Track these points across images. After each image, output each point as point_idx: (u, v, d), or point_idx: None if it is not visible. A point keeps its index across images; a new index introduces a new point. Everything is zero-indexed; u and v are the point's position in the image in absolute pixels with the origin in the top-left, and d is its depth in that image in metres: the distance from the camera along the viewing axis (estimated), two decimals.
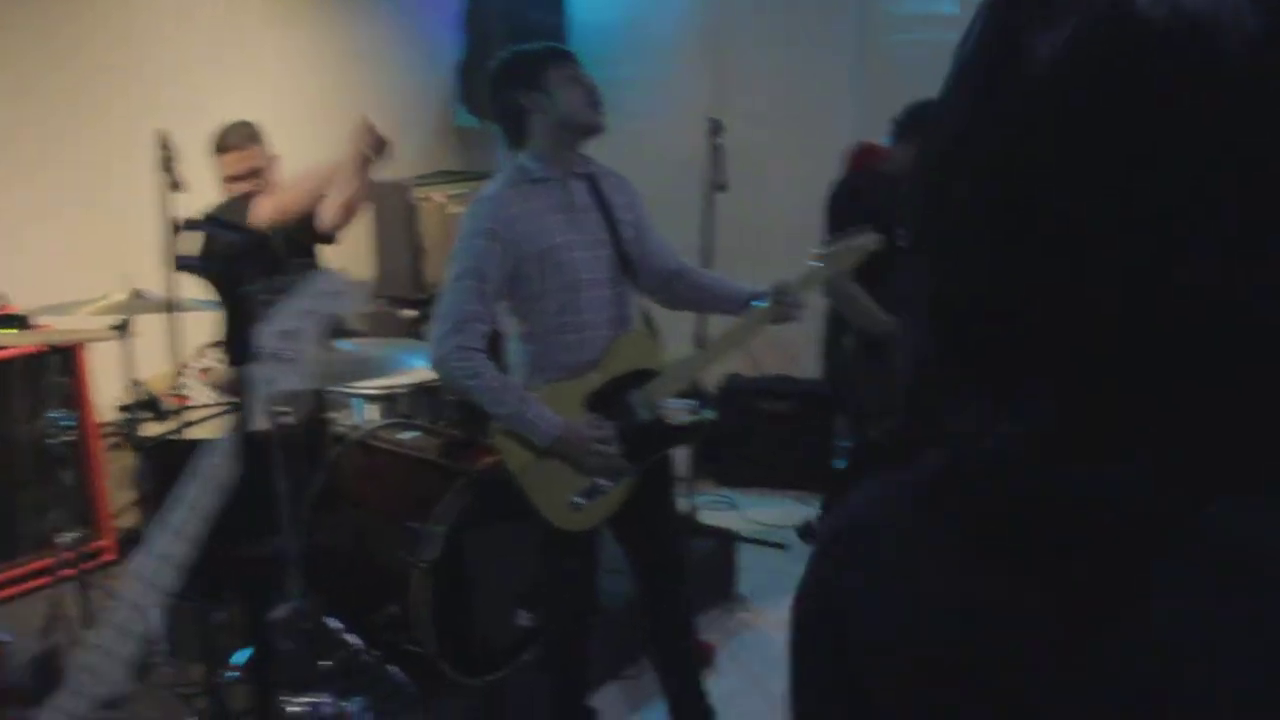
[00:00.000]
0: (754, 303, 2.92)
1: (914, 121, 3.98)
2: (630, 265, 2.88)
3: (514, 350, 2.83)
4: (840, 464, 4.91)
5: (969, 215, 0.61)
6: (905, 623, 0.65)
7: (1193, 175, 0.53)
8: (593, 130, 2.80)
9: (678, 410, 3.01)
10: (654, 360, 2.91)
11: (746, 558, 4.39)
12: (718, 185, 4.30)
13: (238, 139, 3.89)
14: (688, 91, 5.81)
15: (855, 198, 3.96)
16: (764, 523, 4.94)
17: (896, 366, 3.95)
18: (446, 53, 5.82)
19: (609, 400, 2.81)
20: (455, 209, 5.29)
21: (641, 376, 2.85)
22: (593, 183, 2.86)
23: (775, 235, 4.98)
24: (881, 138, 4.14)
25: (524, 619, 3.35)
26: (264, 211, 3.70)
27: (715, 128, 4.28)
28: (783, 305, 2.90)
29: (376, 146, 3.46)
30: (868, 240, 3.08)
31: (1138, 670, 0.57)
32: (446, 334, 2.65)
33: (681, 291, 3.08)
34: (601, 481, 2.79)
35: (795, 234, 4.37)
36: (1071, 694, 0.58)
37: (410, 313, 4.70)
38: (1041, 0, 0.58)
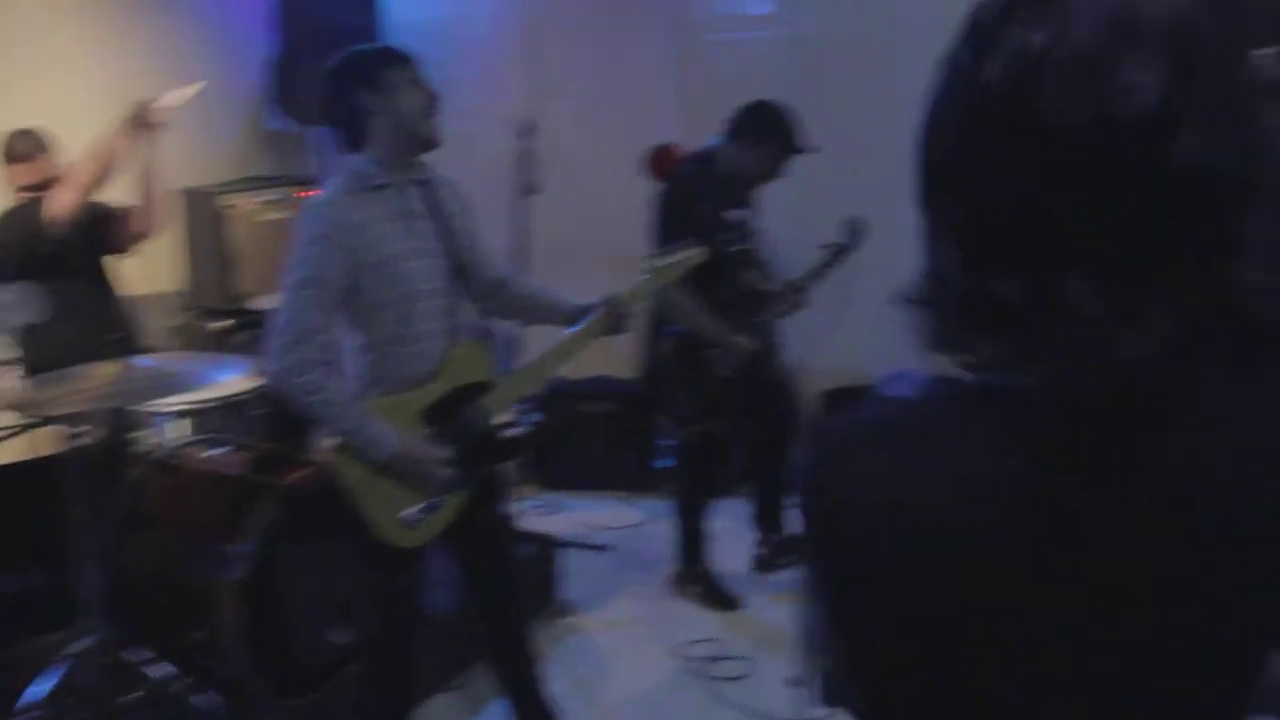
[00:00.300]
0: (585, 314, 2.94)
1: (749, 123, 4.05)
2: (464, 274, 2.86)
3: (350, 362, 2.76)
4: (662, 463, 4.97)
5: (994, 157, 0.79)
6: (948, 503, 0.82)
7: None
8: (429, 144, 2.77)
9: (512, 422, 3.00)
10: (488, 372, 2.89)
11: (569, 562, 4.40)
12: (530, 188, 4.30)
13: (25, 148, 3.71)
14: (503, 93, 5.78)
15: (687, 201, 4.00)
16: (588, 525, 4.96)
17: (714, 369, 4.02)
18: (256, 52, 5.64)
19: (445, 413, 2.78)
20: (266, 216, 5.14)
21: (477, 388, 2.84)
22: (428, 189, 2.82)
23: (594, 237, 5.00)
24: (706, 136, 4.20)
25: (340, 635, 3.28)
26: (59, 205, 3.56)
27: (526, 130, 4.26)
28: (614, 316, 2.94)
29: (145, 115, 3.60)
30: (694, 253, 3.15)
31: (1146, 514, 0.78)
32: (287, 347, 2.56)
33: (508, 301, 3.06)
34: (437, 497, 2.76)
35: (615, 236, 4.41)
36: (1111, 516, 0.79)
37: (220, 324, 4.55)
38: (988, 37, 0.78)
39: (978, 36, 0.81)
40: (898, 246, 4.44)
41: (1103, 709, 0.83)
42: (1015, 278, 0.78)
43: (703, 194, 4.00)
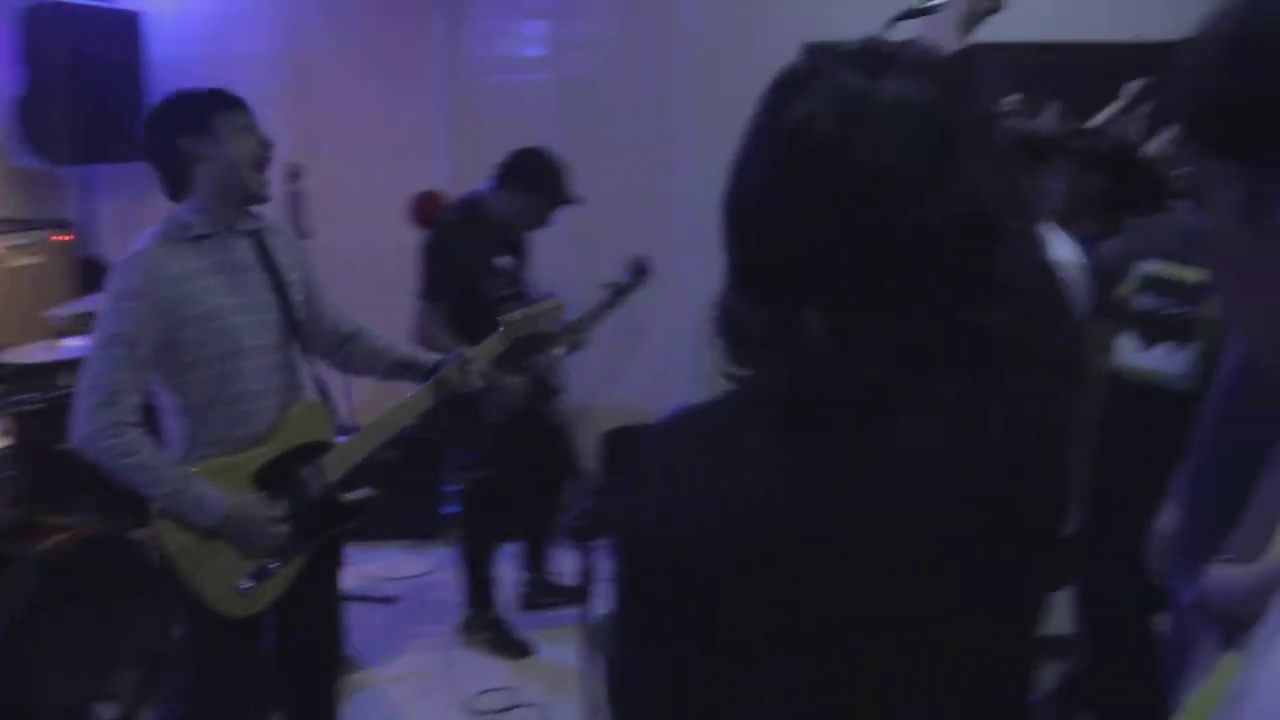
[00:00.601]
0: (435, 370, 2.86)
1: (517, 170, 4.04)
2: (299, 329, 2.70)
3: (168, 425, 2.58)
4: (447, 510, 4.88)
5: (757, 214, 1.00)
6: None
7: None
8: (257, 198, 2.62)
9: (351, 484, 2.84)
10: (326, 432, 2.75)
11: (356, 615, 4.24)
12: (299, 233, 4.17)
13: None
14: (273, 132, 5.60)
15: (452, 248, 3.96)
16: (374, 576, 4.81)
17: (489, 413, 3.98)
18: (2, 87, 5.29)
19: (280, 475, 2.63)
20: (16, 261, 4.79)
21: (314, 449, 2.70)
22: (258, 239, 2.66)
23: (365, 282, 4.88)
24: (477, 180, 4.17)
25: (107, 711, 3.07)
26: None
27: (294, 173, 4.14)
28: (464, 372, 2.86)
29: None
30: (551, 306, 3.16)
31: (879, 486, 0.95)
32: (95, 408, 2.40)
33: (356, 356, 2.95)
34: (271, 563, 2.60)
35: (386, 281, 4.33)
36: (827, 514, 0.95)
37: None
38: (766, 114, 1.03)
39: (760, 112, 1.03)
40: (674, 287, 4.57)
41: (883, 685, 0.98)
42: (762, 307, 0.99)
43: (469, 241, 3.97)
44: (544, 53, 5.38)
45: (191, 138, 2.51)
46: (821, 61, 1.00)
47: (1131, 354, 2.83)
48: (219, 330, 2.50)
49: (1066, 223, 2.75)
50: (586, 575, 2.29)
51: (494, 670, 4.07)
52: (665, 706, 1.02)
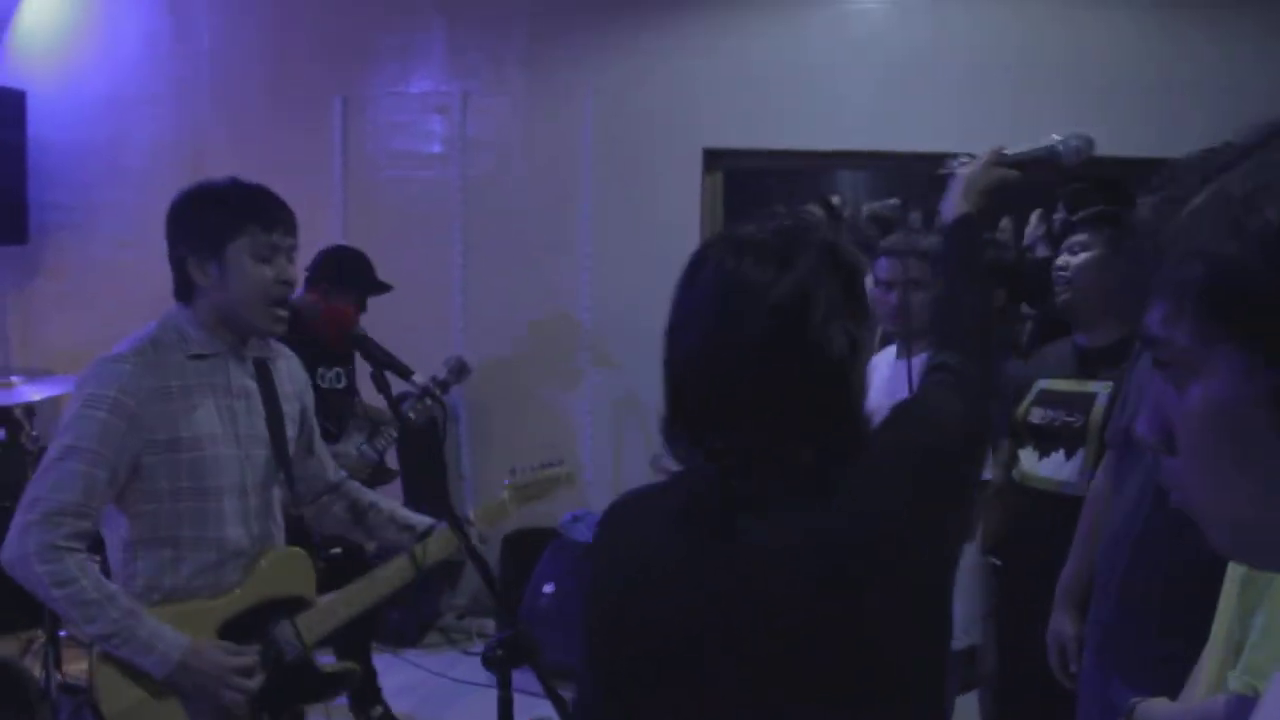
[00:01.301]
0: (429, 532, 2.49)
1: (322, 268, 4.00)
2: (289, 472, 2.34)
3: (115, 559, 2.20)
4: None
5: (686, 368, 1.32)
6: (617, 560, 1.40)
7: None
8: (263, 335, 2.28)
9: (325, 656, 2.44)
10: (307, 586, 2.35)
11: None
12: None
13: None
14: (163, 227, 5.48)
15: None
16: None
17: None
18: None
19: (249, 630, 2.22)
20: None
21: (291, 604, 2.30)
22: (261, 366, 2.31)
23: None
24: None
25: None
26: None
27: None
28: (466, 534, 2.43)
29: None
30: (561, 472, 2.79)
31: (736, 570, 1.27)
32: (31, 526, 2.03)
33: (338, 510, 2.55)
34: None
35: None
36: (698, 586, 1.29)
37: None
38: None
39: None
40: (575, 383, 4.53)
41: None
42: (679, 425, 1.32)
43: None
44: (443, 150, 5.38)
45: (197, 258, 2.18)
46: (709, 251, 1.36)
47: (1030, 464, 2.91)
48: (199, 462, 2.15)
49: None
50: (505, 708, 2.07)
51: None
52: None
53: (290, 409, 2.36)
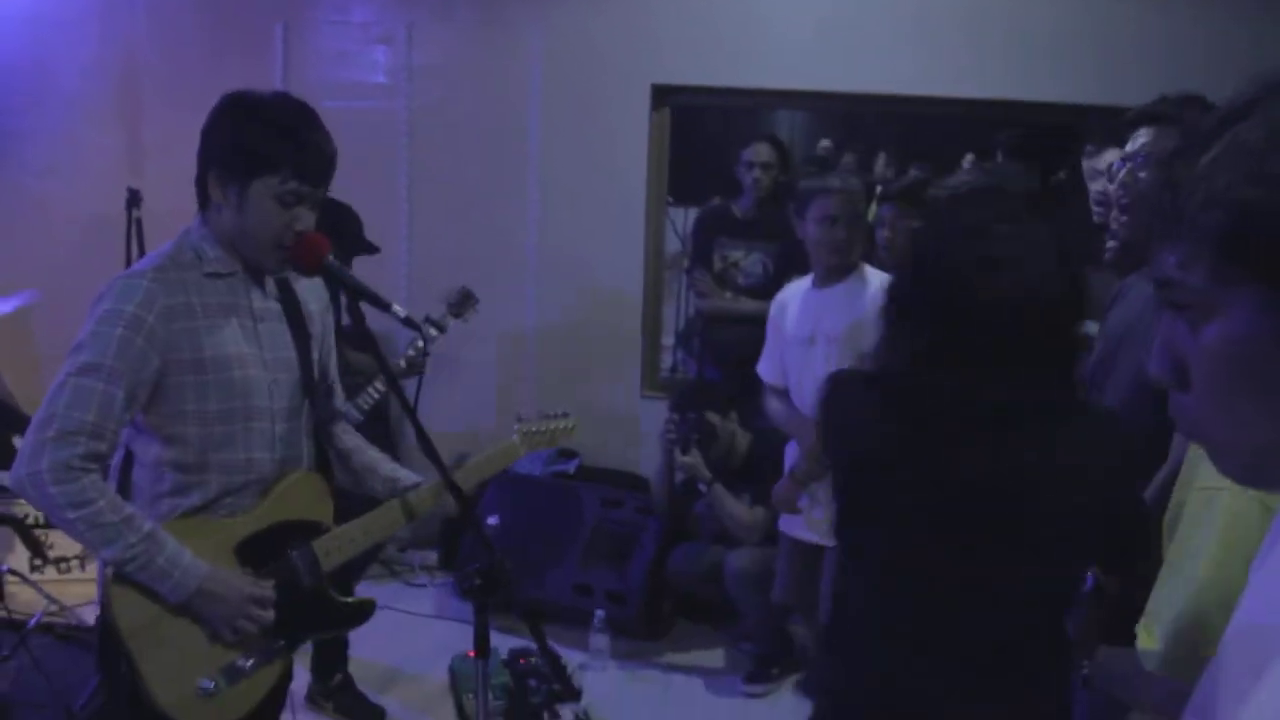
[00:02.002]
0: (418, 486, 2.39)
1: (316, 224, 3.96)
2: (315, 397, 2.27)
3: (140, 477, 2.14)
4: None
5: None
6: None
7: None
8: (266, 272, 2.19)
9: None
10: (324, 511, 2.28)
11: None
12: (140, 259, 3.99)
13: None
14: (101, 152, 5.34)
15: None
16: None
17: None
18: None
19: (265, 553, 2.17)
20: None
21: (307, 528, 2.24)
22: (284, 285, 2.23)
23: None
24: None
25: None
26: None
27: (134, 198, 3.94)
28: (461, 493, 2.32)
29: None
30: (567, 423, 2.73)
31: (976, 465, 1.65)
32: (45, 444, 1.94)
33: (334, 449, 2.45)
34: (243, 660, 2.13)
35: None
36: (923, 480, 1.70)
37: None
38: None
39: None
40: (520, 313, 4.51)
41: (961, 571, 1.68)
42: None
43: None
44: (388, 80, 5.29)
45: (220, 177, 2.08)
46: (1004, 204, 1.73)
47: None
48: (226, 383, 2.08)
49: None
50: (483, 637, 2.06)
51: None
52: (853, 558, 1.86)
53: (315, 330, 2.28)
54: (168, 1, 5.31)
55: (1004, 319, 1.58)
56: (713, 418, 4.12)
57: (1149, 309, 2.27)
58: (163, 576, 2.01)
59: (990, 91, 4.81)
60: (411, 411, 2.19)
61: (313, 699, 3.86)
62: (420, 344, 3.98)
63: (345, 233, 4.03)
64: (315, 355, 2.28)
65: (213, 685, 2.09)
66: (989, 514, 1.64)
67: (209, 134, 2.11)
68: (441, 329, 4.03)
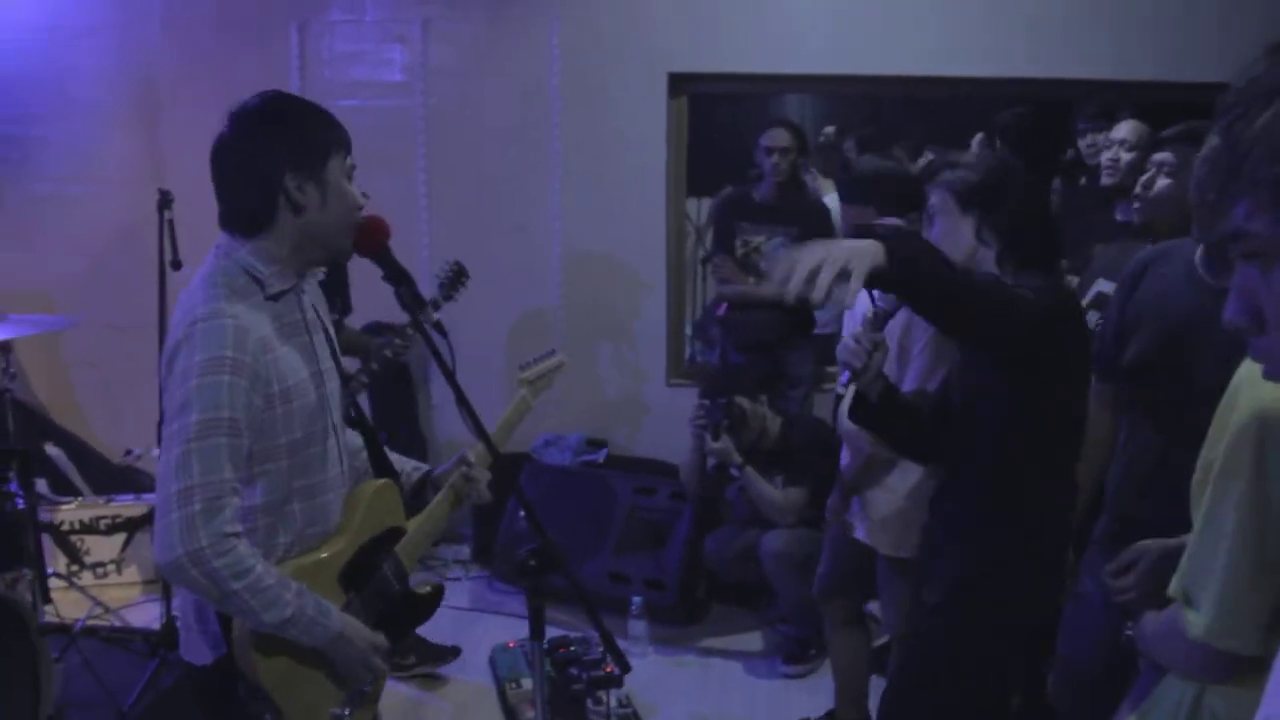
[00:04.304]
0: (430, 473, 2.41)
1: None
2: (353, 399, 2.24)
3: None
4: None
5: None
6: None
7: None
8: (341, 258, 2.14)
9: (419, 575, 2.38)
10: (401, 515, 2.27)
11: None
12: (172, 263, 4.01)
13: None
14: (125, 157, 5.36)
15: None
16: None
17: None
18: None
19: (361, 574, 2.15)
20: None
21: (389, 537, 2.24)
22: (306, 294, 2.14)
23: None
24: None
25: None
26: None
27: (165, 200, 3.97)
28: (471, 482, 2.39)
29: None
30: (560, 359, 2.75)
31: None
32: (195, 519, 1.81)
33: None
34: (362, 684, 2.14)
35: None
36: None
37: None
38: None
39: None
40: (542, 314, 4.50)
41: None
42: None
43: None
44: (404, 78, 5.31)
45: (299, 178, 1.97)
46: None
47: None
48: (305, 409, 2.01)
49: None
50: (538, 616, 2.09)
51: None
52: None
53: (331, 333, 2.23)
54: (183, 7, 5.33)
55: None
56: (742, 402, 4.14)
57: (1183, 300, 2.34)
58: (312, 627, 1.96)
59: (1008, 70, 4.83)
60: (450, 375, 2.15)
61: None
62: (409, 333, 3.89)
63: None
64: (339, 364, 2.24)
65: (346, 713, 2.09)
66: None
67: (268, 142, 2.00)
68: (437, 306, 3.97)
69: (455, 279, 3.90)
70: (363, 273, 2.33)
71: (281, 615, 1.90)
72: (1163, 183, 2.88)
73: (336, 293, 4.11)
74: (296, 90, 5.28)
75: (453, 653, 4.14)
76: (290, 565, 2.00)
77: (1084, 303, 3.07)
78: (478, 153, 5.24)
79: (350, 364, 3.55)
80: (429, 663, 4.10)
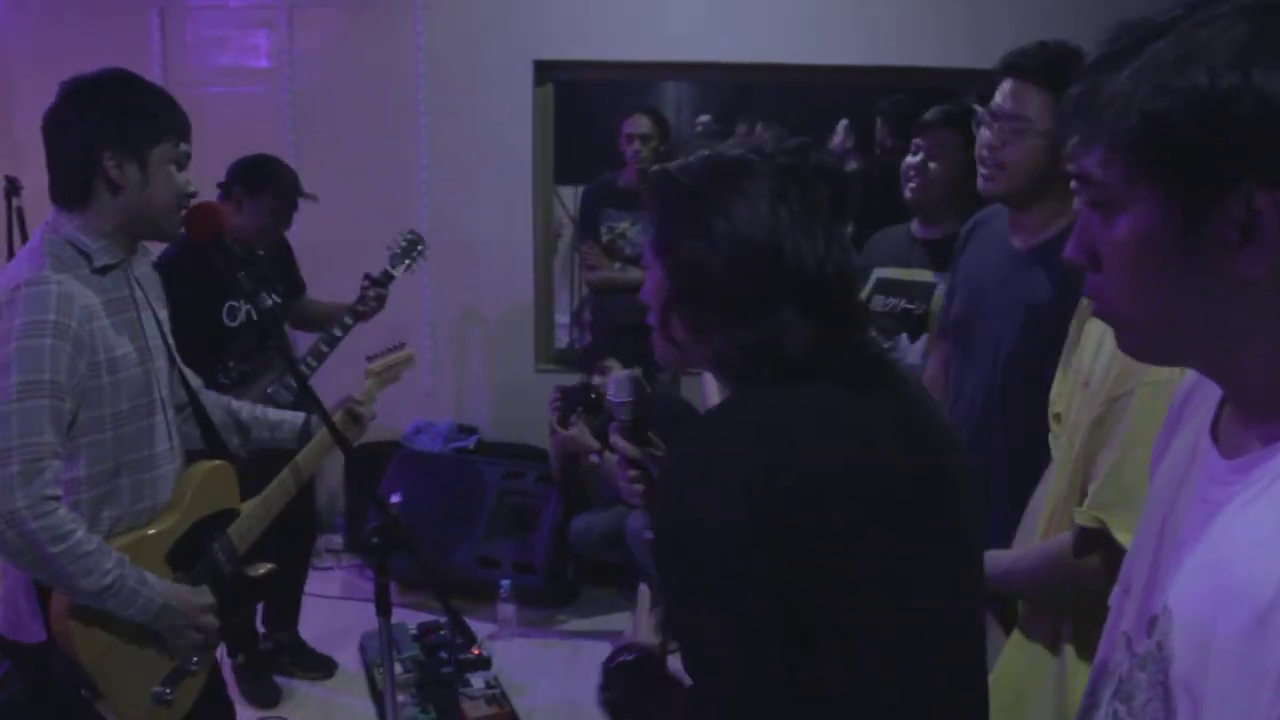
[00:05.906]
0: (307, 428, 2.47)
1: (241, 177, 3.81)
2: (184, 378, 2.25)
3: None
4: None
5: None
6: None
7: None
8: (160, 239, 2.17)
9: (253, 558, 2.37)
10: (235, 497, 2.29)
11: None
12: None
13: None
14: None
15: (199, 264, 3.74)
16: None
17: None
18: None
19: (190, 552, 2.15)
20: None
21: (222, 518, 2.25)
22: (133, 270, 2.14)
23: None
24: (200, 194, 4.00)
25: None
26: None
27: (13, 187, 3.87)
28: (359, 419, 2.52)
29: None
30: (406, 354, 2.90)
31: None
32: (12, 481, 1.81)
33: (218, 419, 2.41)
34: (191, 661, 2.14)
35: None
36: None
37: None
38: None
39: None
40: (412, 299, 4.48)
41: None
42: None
43: (220, 253, 3.76)
44: (270, 64, 5.24)
45: (119, 157, 1.99)
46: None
47: None
48: (132, 381, 2.02)
49: None
50: (383, 596, 2.11)
51: None
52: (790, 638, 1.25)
53: (161, 314, 2.22)
54: None
55: None
56: (599, 381, 4.16)
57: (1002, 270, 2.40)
58: (133, 598, 1.95)
59: (874, 59, 4.95)
60: (294, 363, 2.22)
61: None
62: (348, 321, 3.92)
63: (274, 181, 3.85)
64: (169, 341, 2.24)
65: (168, 692, 2.08)
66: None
67: (89, 118, 2.02)
68: (390, 278, 3.97)
69: (408, 249, 3.93)
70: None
71: (100, 583, 1.88)
72: (933, 166, 3.02)
73: (285, 274, 4.04)
74: (158, 77, 5.18)
75: (329, 666, 4.07)
76: (117, 541, 2.00)
77: (867, 291, 3.14)
78: (345, 139, 5.20)
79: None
80: (305, 671, 4.04)
